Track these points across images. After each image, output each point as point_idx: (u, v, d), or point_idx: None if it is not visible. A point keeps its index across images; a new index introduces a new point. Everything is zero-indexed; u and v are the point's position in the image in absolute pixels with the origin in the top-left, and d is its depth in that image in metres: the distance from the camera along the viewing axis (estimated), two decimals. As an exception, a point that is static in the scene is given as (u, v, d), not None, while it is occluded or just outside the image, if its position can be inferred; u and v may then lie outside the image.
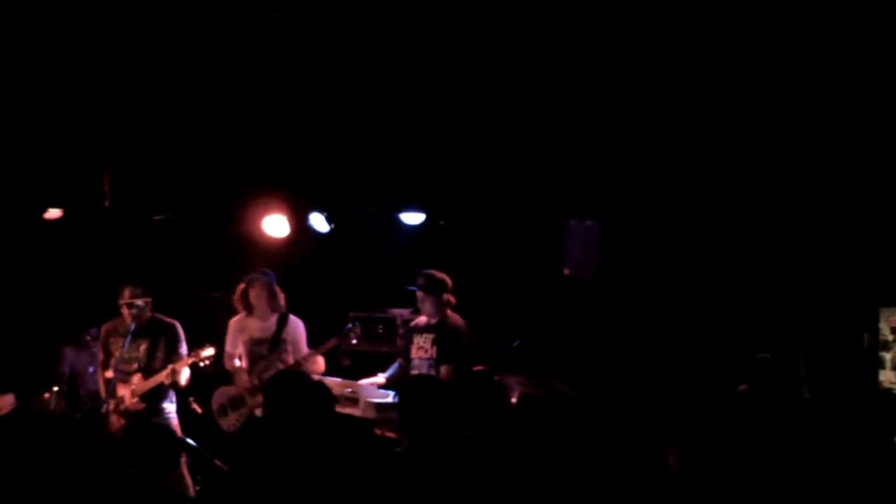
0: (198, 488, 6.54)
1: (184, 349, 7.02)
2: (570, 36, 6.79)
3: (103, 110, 7.72)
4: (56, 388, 7.86)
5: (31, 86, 7.36)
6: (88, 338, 8.36)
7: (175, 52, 7.32)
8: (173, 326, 7.06)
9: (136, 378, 6.91)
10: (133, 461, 4.44)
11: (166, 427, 4.84)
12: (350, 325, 7.33)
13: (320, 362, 7.27)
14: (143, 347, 6.97)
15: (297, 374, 6.23)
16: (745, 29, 6.28)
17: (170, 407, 7.04)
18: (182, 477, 6.34)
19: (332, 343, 7.31)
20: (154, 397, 6.92)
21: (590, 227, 7.55)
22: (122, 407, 6.87)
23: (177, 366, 6.82)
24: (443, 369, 6.65)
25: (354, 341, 7.43)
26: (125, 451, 4.51)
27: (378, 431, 6.48)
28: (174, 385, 6.91)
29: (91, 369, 8.33)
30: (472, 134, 7.60)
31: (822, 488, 4.60)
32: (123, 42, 7.16)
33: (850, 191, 6.79)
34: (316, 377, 7.01)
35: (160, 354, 6.96)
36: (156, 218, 8.69)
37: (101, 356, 7.12)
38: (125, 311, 6.90)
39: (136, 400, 6.87)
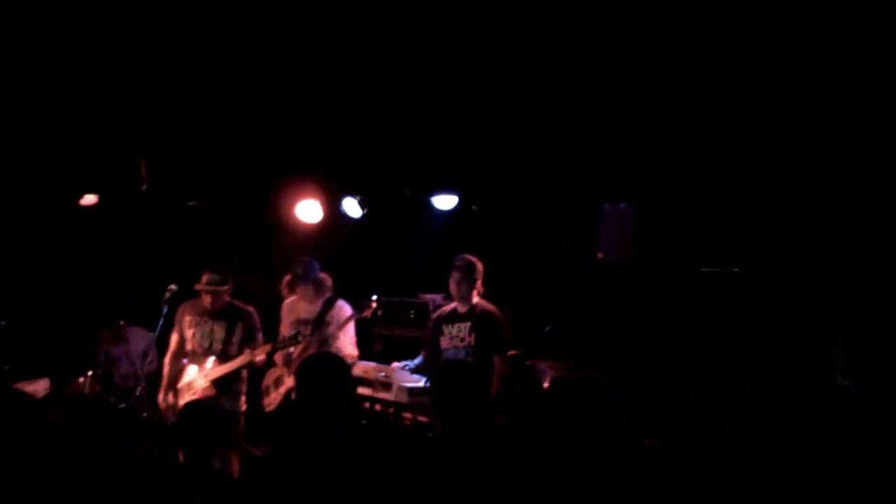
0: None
1: (260, 336, 7.05)
2: (605, 19, 6.74)
3: (139, 96, 7.77)
4: (90, 373, 7.94)
5: (67, 73, 7.43)
6: (122, 323, 8.44)
7: (209, 39, 7.36)
8: (250, 313, 7.07)
9: (211, 362, 6.92)
10: (180, 441, 4.51)
11: (212, 408, 4.86)
12: (365, 301, 7.40)
13: (346, 342, 7.32)
14: (219, 332, 6.98)
15: (329, 356, 6.25)
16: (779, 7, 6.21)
17: (242, 388, 7.07)
18: (229, 456, 6.48)
19: (349, 320, 7.38)
20: (226, 382, 6.91)
21: (624, 211, 7.47)
22: (192, 391, 6.87)
23: (255, 353, 6.85)
24: (497, 361, 6.52)
25: (370, 315, 7.49)
26: (174, 431, 4.58)
27: (409, 415, 6.48)
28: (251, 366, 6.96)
29: (124, 353, 8.45)
30: (504, 118, 7.57)
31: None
32: (159, 29, 7.20)
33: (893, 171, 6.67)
34: (348, 360, 7.08)
35: (236, 340, 6.97)
36: (190, 204, 8.75)
37: (175, 337, 7.09)
38: (203, 295, 6.92)
39: (208, 385, 6.87)
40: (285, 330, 7.49)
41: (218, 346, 6.94)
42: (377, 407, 6.80)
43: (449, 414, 4.24)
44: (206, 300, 6.91)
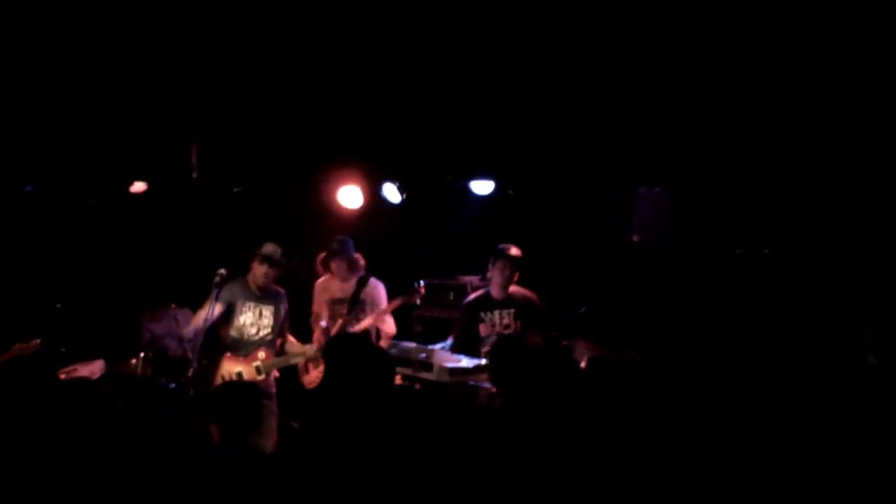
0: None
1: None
2: (637, 6, 6.80)
3: (184, 84, 7.89)
4: (142, 354, 8.15)
5: (118, 65, 7.58)
6: (173, 305, 8.67)
7: (251, 28, 7.47)
8: (286, 295, 7.07)
9: (263, 353, 6.86)
10: (218, 420, 4.59)
11: (253, 386, 4.91)
12: (415, 285, 7.46)
13: (389, 322, 7.44)
14: (266, 317, 6.94)
15: (355, 336, 6.32)
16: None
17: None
18: (265, 433, 6.45)
19: (397, 303, 7.47)
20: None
21: (658, 194, 7.55)
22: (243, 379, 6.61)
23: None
24: (531, 335, 6.76)
25: (418, 301, 7.57)
26: (210, 410, 4.66)
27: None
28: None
29: (168, 333, 8.65)
30: (540, 103, 7.63)
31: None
32: (202, 17, 7.33)
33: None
34: (386, 342, 7.24)
35: (279, 324, 6.95)
36: (235, 190, 8.89)
37: (219, 308, 6.83)
38: (259, 269, 6.76)
39: (263, 377, 6.76)
40: (318, 308, 7.58)
41: (266, 333, 6.89)
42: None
43: (511, 387, 4.39)
44: (261, 276, 6.76)
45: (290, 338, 7.13)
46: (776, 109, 6.92)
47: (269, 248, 6.80)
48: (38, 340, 7.46)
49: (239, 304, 6.88)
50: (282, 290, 7.09)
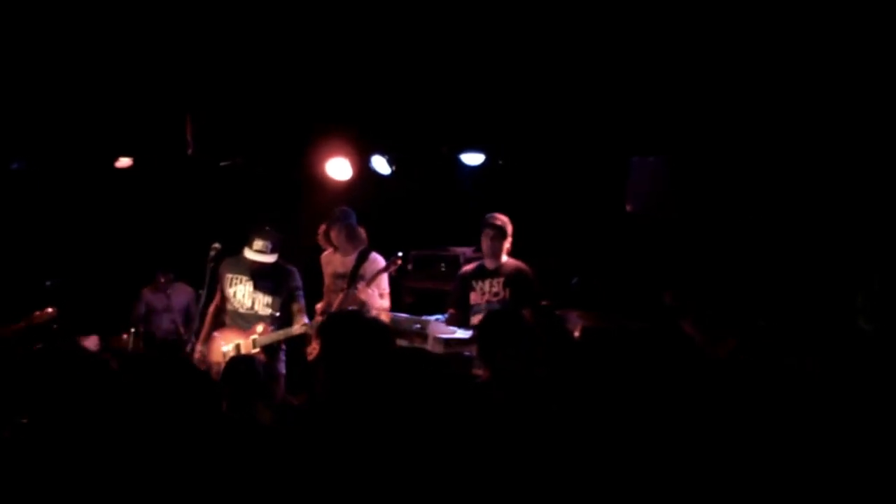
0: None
1: (302, 296, 7.03)
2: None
3: (171, 56, 7.82)
4: (133, 329, 8.17)
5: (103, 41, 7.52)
6: (163, 280, 8.68)
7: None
8: (293, 273, 7.00)
9: (261, 326, 6.84)
10: (226, 395, 4.61)
11: (256, 362, 4.91)
12: (391, 258, 7.36)
13: (372, 295, 7.28)
14: (262, 294, 6.90)
15: (353, 314, 6.30)
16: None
17: (282, 355, 7.06)
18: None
19: (378, 275, 7.37)
20: (275, 347, 6.88)
21: (655, 164, 7.52)
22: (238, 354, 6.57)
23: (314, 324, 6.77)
24: (527, 314, 6.79)
25: (393, 271, 7.42)
26: (219, 386, 4.67)
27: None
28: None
29: (165, 308, 8.68)
30: (532, 71, 7.58)
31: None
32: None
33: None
34: (378, 313, 7.22)
35: (281, 301, 6.91)
36: (223, 163, 8.85)
37: (218, 294, 6.94)
38: (248, 259, 6.79)
39: (258, 350, 6.73)
40: (327, 281, 7.58)
41: (263, 308, 6.87)
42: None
43: (495, 361, 4.41)
44: (251, 264, 6.80)
45: (303, 318, 7.01)
46: (787, 73, 6.85)
47: (259, 244, 6.72)
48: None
49: (229, 277, 6.89)
50: (290, 268, 7.03)
